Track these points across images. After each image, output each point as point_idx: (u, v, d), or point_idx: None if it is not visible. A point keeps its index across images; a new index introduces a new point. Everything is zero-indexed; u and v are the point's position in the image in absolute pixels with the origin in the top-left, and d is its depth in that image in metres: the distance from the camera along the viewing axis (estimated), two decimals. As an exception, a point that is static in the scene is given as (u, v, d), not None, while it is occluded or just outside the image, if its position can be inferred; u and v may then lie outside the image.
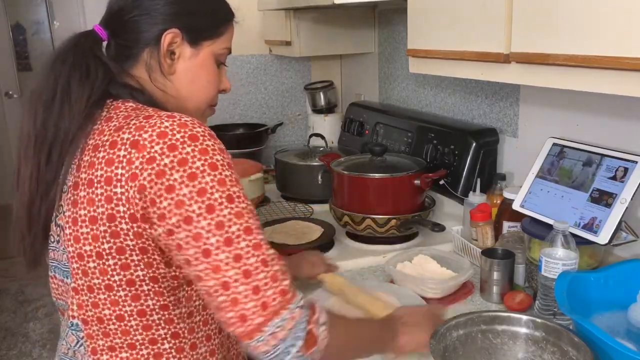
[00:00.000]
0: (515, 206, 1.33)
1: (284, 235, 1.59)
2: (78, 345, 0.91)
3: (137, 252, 0.82)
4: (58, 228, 0.89)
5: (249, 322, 0.78)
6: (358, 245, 1.60)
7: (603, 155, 1.21)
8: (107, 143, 0.82)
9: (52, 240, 0.92)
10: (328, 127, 2.44)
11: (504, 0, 1.07)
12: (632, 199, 1.12)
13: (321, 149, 2.08)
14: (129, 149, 0.80)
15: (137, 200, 0.79)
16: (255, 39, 2.52)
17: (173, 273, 0.86)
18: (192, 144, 0.79)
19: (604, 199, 1.16)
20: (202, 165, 0.78)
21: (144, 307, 0.86)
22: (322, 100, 2.52)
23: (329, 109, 2.52)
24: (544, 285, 1.11)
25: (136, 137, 0.80)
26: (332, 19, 2.24)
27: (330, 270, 1.32)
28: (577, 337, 0.95)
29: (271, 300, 0.79)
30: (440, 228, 1.44)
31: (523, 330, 1.04)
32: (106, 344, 0.88)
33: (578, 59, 0.92)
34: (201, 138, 0.80)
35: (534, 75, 1.04)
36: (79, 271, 0.86)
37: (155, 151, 0.78)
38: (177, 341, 0.89)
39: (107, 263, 0.83)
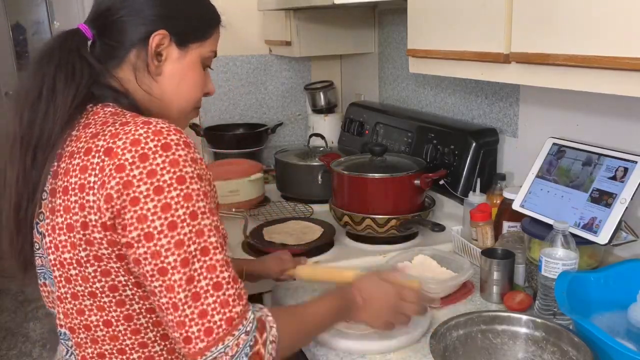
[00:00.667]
0: (515, 206, 1.33)
1: (284, 235, 1.59)
2: (68, 355, 0.91)
3: (114, 259, 0.81)
4: (40, 235, 0.89)
5: (192, 345, 0.77)
6: (358, 245, 1.61)
7: (603, 155, 1.21)
8: (83, 150, 0.82)
9: (37, 247, 0.92)
10: (328, 127, 2.44)
11: (504, 0, 1.07)
12: (632, 199, 1.12)
13: (321, 149, 2.08)
14: (102, 157, 0.79)
15: (104, 209, 0.78)
16: (255, 39, 2.52)
17: None
18: (164, 153, 0.77)
19: (603, 199, 1.16)
20: (170, 178, 0.77)
21: (130, 311, 0.85)
22: (322, 100, 2.52)
23: (329, 109, 2.52)
24: (544, 285, 1.11)
25: (110, 145, 0.79)
26: (332, 19, 2.24)
27: (300, 264, 1.32)
28: (577, 337, 0.95)
29: (216, 327, 0.77)
30: (440, 228, 1.44)
31: (523, 330, 1.04)
32: (95, 351, 0.88)
33: (578, 59, 0.92)
34: (174, 147, 0.78)
35: (533, 75, 1.04)
36: (62, 279, 0.86)
37: (126, 159, 0.77)
38: (167, 343, 0.88)
39: (87, 270, 0.83)
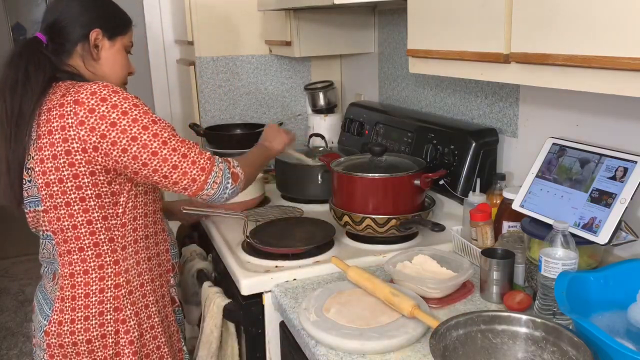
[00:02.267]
0: (515, 206, 1.33)
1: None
2: (54, 250, 1.29)
3: (87, 175, 1.21)
4: (30, 170, 1.24)
5: (197, 180, 1.25)
6: (358, 245, 1.61)
7: (603, 155, 1.21)
8: (57, 105, 1.20)
9: (25, 181, 1.27)
10: (328, 127, 2.44)
11: (504, 0, 1.07)
12: (631, 198, 1.12)
13: (321, 149, 2.08)
14: (73, 105, 1.18)
15: (87, 138, 1.17)
16: (255, 39, 2.52)
17: (112, 189, 1.24)
18: (116, 95, 1.19)
19: (603, 198, 1.16)
20: (128, 106, 1.19)
21: (91, 217, 1.25)
22: (322, 100, 2.51)
23: (329, 109, 2.52)
24: (544, 285, 1.11)
25: (75, 97, 1.18)
26: (332, 19, 2.24)
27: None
28: (577, 337, 0.95)
29: (205, 165, 1.25)
30: (440, 228, 1.44)
31: (523, 330, 1.04)
32: (66, 248, 1.27)
33: (578, 59, 0.92)
34: (120, 92, 1.21)
35: (533, 75, 1.04)
36: (47, 196, 1.23)
37: (92, 103, 1.18)
38: (112, 244, 1.28)
39: (66, 185, 1.21)
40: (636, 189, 1.13)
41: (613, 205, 1.14)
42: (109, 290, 1.28)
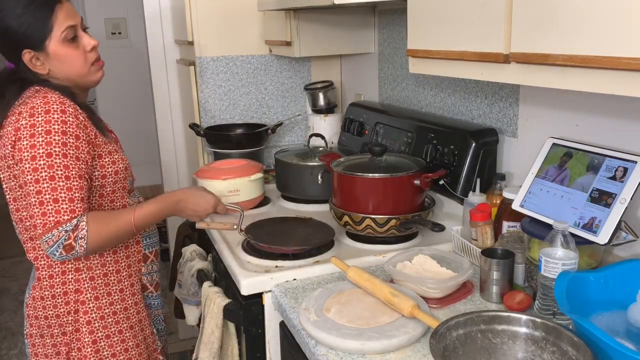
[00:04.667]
0: (515, 206, 1.33)
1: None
2: (22, 236, 1.46)
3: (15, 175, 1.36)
4: None
5: (38, 229, 1.29)
6: (358, 245, 1.61)
7: (603, 155, 1.21)
8: (10, 112, 1.34)
9: None
10: (328, 127, 2.44)
11: (504, 0, 1.07)
12: (631, 198, 1.12)
13: (321, 149, 2.08)
14: (17, 116, 1.31)
15: (9, 145, 1.31)
16: (255, 39, 2.52)
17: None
18: (41, 115, 1.29)
19: (603, 198, 1.16)
20: (41, 130, 1.28)
21: (19, 207, 1.42)
22: (322, 100, 2.51)
23: (329, 109, 2.52)
24: (544, 285, 1.11)
25: (20, 109, 1.31)
26: (332, 19, 2.24)
27: None
28: (577, 337, 0.95)
29: (48, 223, 1.28)
30: (440, 228, 1.44)
31: (523, 330, 1.04)
32: (28, 235, 1.43)
33: (578, 59, 0.92)
34: (52, 112, 1.30)
35: (533, 75, 1.04)
36: (7, 189, 1.40)
37: (24, 116, 1.30)
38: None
39: (11, 183, 1.38)
40: (636, 189, 1.13)
41: (613, 205, 1.14)
42: (70, 273, 1.43)
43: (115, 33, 4.73)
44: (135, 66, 4.64)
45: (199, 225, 1.66)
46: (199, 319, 1.77)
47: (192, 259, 1.81)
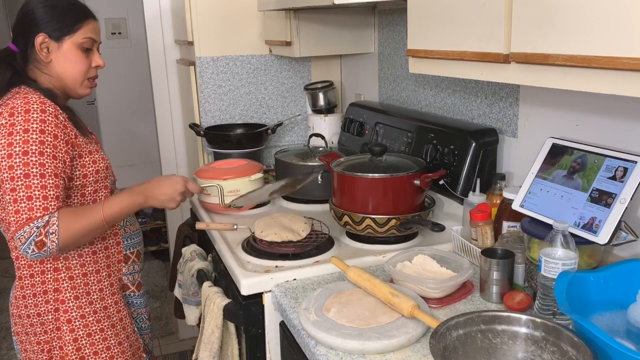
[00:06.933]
0: (515, 206, 1.33)
1: (275, 229, 1.58)
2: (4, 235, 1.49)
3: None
4: None
5: (12, 227, 1.30)
6: (358, 245, 1.61)
7: (603, 155, 1.21)
8: None
9: None
10: (328, 127, 2.44)
11: (504, 0, 1.07)
12: (631, 198, 1.12)
13: (321, 149, 2.08)
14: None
15: None
16: (255, 39, 2.52)
17: None
18: (21, 115, 1.31)
19: (603, 198, 1.16)
20: (20, 128, 1.30)
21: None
22: (322, 100, 2.52)
23: (329, 109, 2.52)
24: (544, 285, 1.11)
25: (1, 109, 1.33)
26: (332, 19, 2.24)
27: None
28: (577, 337, 0.95)
29: (20, 220, 1.29)
30: (440, 228, 1.44)
31: (523, 330, 1.04)
32: (10, 235, 1.39)
33: (578, 59, 0.92)
34: (32, 111, 1.32)
35: (533, 76, 1.04)
36: None
37: (5, 115, 1.32)
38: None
39: None
40: (636, 189, 1.13)
41: (613, 205, 1.14)
42: (49, 273, 1.46)
43: (115, 33, 4.73)
44: (135, 66, 4.63)
45: (198, 226, 1.66)
46: (199, 319, 1.77)
47: (192, 259, 1.81)
